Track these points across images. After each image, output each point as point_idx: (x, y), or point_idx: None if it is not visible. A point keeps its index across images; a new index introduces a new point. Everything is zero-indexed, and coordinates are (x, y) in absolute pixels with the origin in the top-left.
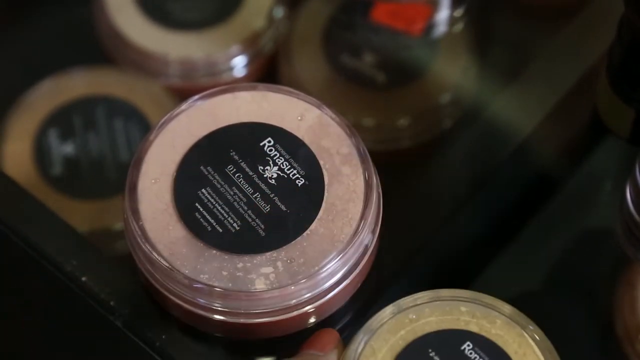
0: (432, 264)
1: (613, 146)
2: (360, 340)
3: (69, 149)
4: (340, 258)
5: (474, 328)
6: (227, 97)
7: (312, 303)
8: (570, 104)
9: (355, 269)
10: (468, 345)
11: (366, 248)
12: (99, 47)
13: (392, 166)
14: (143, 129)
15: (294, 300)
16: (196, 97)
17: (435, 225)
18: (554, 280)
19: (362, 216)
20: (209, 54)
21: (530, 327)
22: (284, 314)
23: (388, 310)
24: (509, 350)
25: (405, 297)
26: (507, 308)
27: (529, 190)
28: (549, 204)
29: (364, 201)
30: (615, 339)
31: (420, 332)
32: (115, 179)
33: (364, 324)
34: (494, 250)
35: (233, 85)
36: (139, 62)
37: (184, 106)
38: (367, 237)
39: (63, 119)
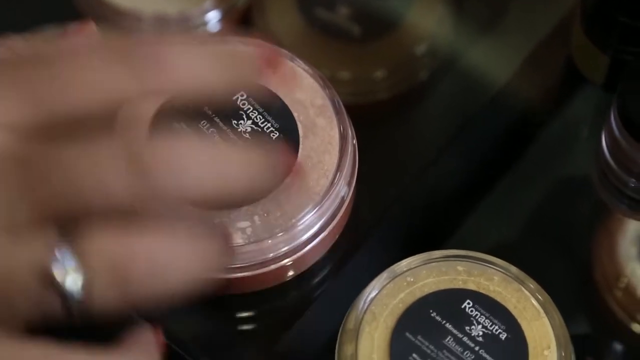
0: (410, 216)
1: (589, 94)
2: (360, 307)
3: None
4: (317, 210)
5: (472, 286)
6: None
7: (290, 256)
8: (545, 53)
9: (332, 221)
10: (468, 304)
11: (342, 200)
12: (72, 5)
13: (368, 119)
14: None
15: (271, 254)
16: None
17: (413, 177)
18: (531, 230)
19: (338, 168)
20: (182, 10)
21: (528, 282)
22: (262, 268)
23: (384, 275)
24: (509, 305)
25: (399, 262)
26: (503, 264)
27: (506, 140)
28: (526, 153)
29: (340, 153)
30: (594, 286)
31: (419, 294)
32: None
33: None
34: (471, 201)
35: (203, 40)
36: (111, 18)
37: None
38: (344, 189)
39: None
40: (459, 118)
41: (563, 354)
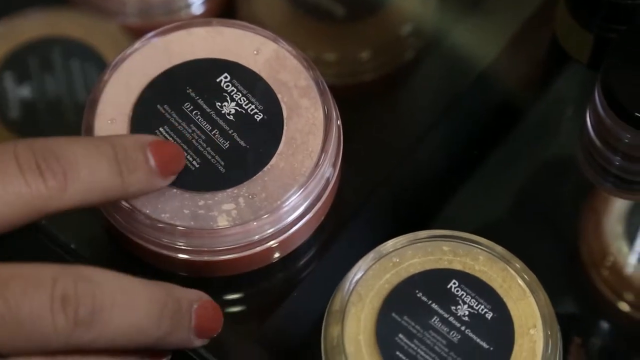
0: (395, 197)
1: (574, 73)
2: (346, 288)
3: (25, 92)
4: (302, 192)
5: (457, 266)
6: (181, 33)
7: (276, 238)
8: (530, 32)
9: (318, 203)
10: (454, 283)
11: (327, 181)
12: None
13: (354, 100)
14: (101, 70)
15: (257, 236)
16: (150, 34)
17: (398, 158)
18: (517, 209)
19: (323, 149)
20: None
21: (513, 261)
22: (247, 250)
23: (370, 256)
24: (494, 284)
25: (384, 243)
26: (489, 244)
27: (491, 119)
28: (511, 133)
29: (324, 134)
30: (581, 265)
31: (405, 275)
32: (74, 120)
33: (345, 272)
34: (457, 181)
35: (187, 22)
36: (96, 2)
37: (137, 44)
38: (328, 170)
39: (18, 62)
40: (444, 98)
41: (549, 333)
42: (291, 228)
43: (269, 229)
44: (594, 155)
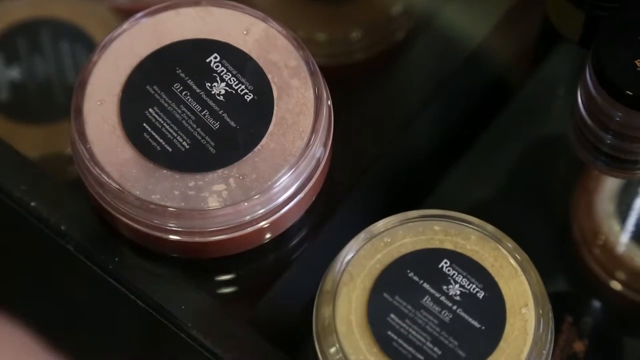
0: (387, 177)
1: (565, 51)
2: (337, 269)
3: (14, 73)
4: (293, 172)
5: (449, 246)
6: (170, 14)
7: (267, 218)
8: (521, 11)
9: (309, 183)
10: (445, 263)
11: (318, 161)
12: None
13: (345, 80)
14: (89, 51)
15: (248, 217)
16: (138, 15)
17: (389, 138)
18: (509, 189)
19: (313, 129)
20: None
21: (505, 240)
22: (238, 231)
23: (361, 236)
24: (486, 264)
25: (376, 223)
26: (480, 223)
27: (483, 99)
28: (503, 112)
29: (315, 114)
30: (572, 244)
31: (396, 255)
32: (64, 102)
33: (337, 252)
34: (449, 161)
35: (176, 2)
36: None
37: (126, 25)
38: (319, 150)
39: (7, 43)
40: (435, 78)
41: (540, 312)
42: (282, 208)
43: (260, 210)
44: (586, 134)
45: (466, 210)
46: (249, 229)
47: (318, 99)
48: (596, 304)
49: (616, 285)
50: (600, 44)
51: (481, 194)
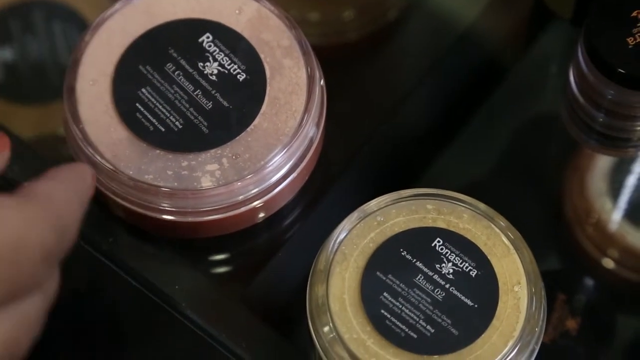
0: (380, 156)
1: (557, 30)
2: (330, 248)
3: (7, 54)
4: (286, 151)
5: (441, 224)
6: None
7: (260, 198)
8: None
9: (302, 162)
10: (438, 242)
11: (311, 141)
12: None
13: (338, 59)
14: (82, 31)
15: (241, 196)
16: None
17: (383, 117)
18: (502, 168)
19: (306, 109)
20: None
21: (497, 219)
22: (232, 211)
23: (354, 215)
24: (479, 242)
25: (369, 202)
26: (472, 201)
27: (476, 78)
28: (496, 91)
29: (307, 93)
30: (565, 223)
31: (389, 233)
32: (57, 83)
33: (330, 232)
34: (442, 140)
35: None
36: None
37: (118, 5)
38: (312, 130)
39: (0, 24)
40: (428, 57)
41: (533, 290)
42: (275, 188)
43: (253, 189)
44: (578, 112)
45: (459, 189)
46: (242, 209)
47: (310, 79)
48: (589, 281)
49: (608, 263)
50: (592, 22)
51: (474, 173)
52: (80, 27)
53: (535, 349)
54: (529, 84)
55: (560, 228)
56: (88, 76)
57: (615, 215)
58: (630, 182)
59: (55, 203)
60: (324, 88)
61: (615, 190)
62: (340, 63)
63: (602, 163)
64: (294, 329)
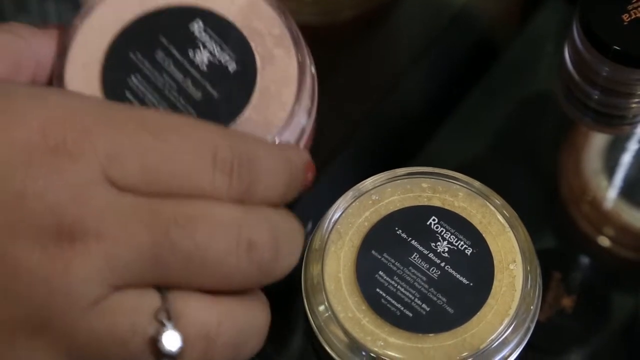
0: (375, 136)
1: (552, 8)
2: (325, 227)
3: None
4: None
5: (437, 203)
6: None
7: None
8: None
9: None
10: (433, 220)
11: (302, 131)
12: None
13: (332, 39)
14: (76, 10)
15: None
16: None
17: (378, 97)
18: (498, 146)
19: (297, 99)
20: None
21: (493, 197)
22: None
23: (349, 194)
24: (474, 221)
25: (364, 181)
26: (468, 180)
27: (471, 57)
28: (491, 70)
29: (298, 84)
30: (561, 201)
31: (384, 212)
32: None
33: (325, 211)
34: (437, 120)
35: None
36: None
37: None
38: (303, 120)
39: None
40: (423, 36)
41: (528, 268)
42: None
43: None
44: (573, 90)
45: (455, 168)
46: None
47: (301, 69)
48: (584, 260)
49: (604, 241)
50: None
51: (470, 152)
52: (74, 7)
53: (530, 327)
54: (524, 63)
55: (556, 206)
56: (78, 61)
57: (611, 193)
58: (626, 160)
59: None
60: (315, 76)
61: (610, 168)
62: (334, 42)
63: (598, 141)
64: (288, 307)
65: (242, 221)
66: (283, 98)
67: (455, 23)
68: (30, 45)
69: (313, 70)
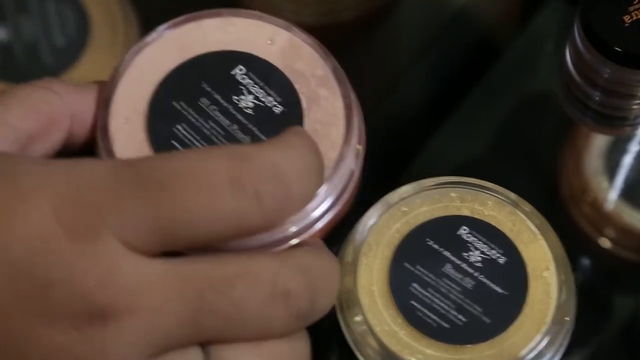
0: (376, 136)
1: (553, 8)
2: (356, 240)
3: (1, 34)
4: (327, 185)
5: (466, 212)
6: (192, 26)
7: (298, 236)
8: None
9: (343, 194)
10: (464, 230)
11: (351, 174)
12: None
13: (333, 39)
14: (76, 10)
15: (280, 235)
16: (160, 28)
17: (377, 97)
18: (498, 147)
19: (345, 140)
20: None
21: (522, 205)
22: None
23: (378, 206)
24: (504, 229)
25: (390, 193)
26: (497, 188)
27: (472, 57)
28: (491, 70)
29: (346, 123)
30: (561, 201)
31: (414, 223)
32: (51, 64)
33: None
34: (438, 120)
35: (196, 14)
36: None
37: (148, 39)
38: (352, 162)
39: None
40: (424, 36)
41: (562, 276)
42: (315, 224)
43: (292, 228)
44: (574, 91)
45: (455, 168)
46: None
47: (348, 108)
48: (585, 260)
49: (605, 242)
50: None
51: (470, 152)
52: (73, 6)
53: (568, 333)
54: (524, 63)
55: (556, 207)
56: (121, 114)
57: (612, 194)
58: (627, 161)
59: None
60: (362, 114)
61: (611, 169)
62: (335, 42)
63: (599, 142)
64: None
65: (277, 273)
66: (332, 138)
67: (456, 23)
68: (64, 100)
69: (359, 108)
